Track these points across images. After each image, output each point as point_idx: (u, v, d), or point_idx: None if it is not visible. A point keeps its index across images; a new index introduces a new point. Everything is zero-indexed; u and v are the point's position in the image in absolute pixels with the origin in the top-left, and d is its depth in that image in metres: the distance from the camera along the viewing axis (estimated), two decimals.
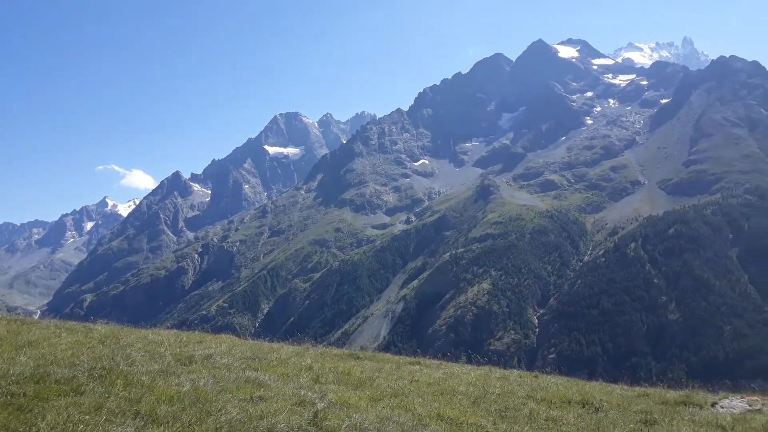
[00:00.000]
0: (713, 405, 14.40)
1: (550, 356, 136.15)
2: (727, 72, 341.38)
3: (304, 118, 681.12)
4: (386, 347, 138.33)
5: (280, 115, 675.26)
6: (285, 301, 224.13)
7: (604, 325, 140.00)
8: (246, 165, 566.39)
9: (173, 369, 12.17)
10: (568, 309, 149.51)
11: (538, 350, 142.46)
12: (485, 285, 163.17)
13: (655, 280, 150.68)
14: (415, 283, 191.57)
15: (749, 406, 14.22)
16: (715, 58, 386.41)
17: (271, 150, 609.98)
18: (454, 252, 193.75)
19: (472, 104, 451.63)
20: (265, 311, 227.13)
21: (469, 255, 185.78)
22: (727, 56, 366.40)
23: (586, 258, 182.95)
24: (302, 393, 11.32)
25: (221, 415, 9.15)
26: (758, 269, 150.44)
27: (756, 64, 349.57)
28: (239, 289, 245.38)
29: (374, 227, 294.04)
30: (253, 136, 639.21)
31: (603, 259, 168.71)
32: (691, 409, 13.56)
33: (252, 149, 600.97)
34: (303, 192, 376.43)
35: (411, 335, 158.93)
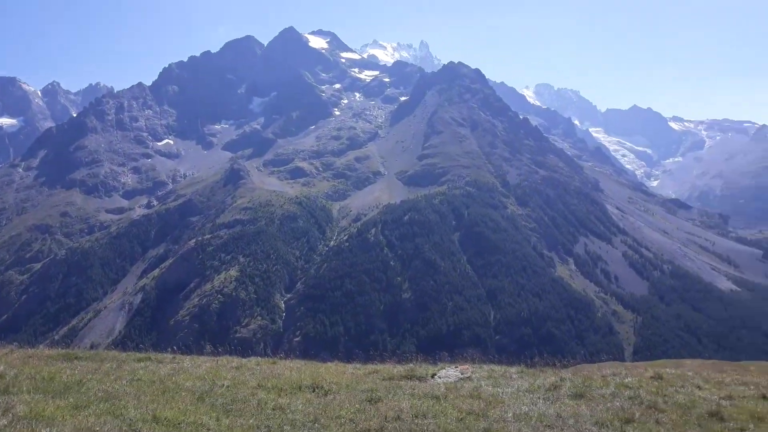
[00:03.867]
0: (433, 376, 15.38)
1: (296, 339, 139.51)
2: (455, 76, 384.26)
3: (24, 85, 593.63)
4: (122, 342, 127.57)
5: None
6: None
7: (346, 306, 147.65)
8: None
9: None
10: (314, 292, 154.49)
11: (284, 334, 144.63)
12: (233, 272, 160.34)
13: (391, 263, 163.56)
14: (156, 272, 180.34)
15: (461, 374, 15.49)
16: (446, 63, 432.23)
17: None
18: (200, 238, 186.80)
19: (222, 85, 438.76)
20: None
21: (216, 241, 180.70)
22: (456, 62, 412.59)
23: (331, 243, 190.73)
24: None
25: None
26: (474, 251, 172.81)
27: (478, 72, 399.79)
28: None
29: (109, 212, 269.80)
30: None
31: (347, 244, 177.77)
32: (412, 383, 14.31)
33: None
34: (21, 170, 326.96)
35: (150, 328, 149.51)
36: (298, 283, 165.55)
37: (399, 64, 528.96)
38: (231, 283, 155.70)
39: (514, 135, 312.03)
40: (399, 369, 16.23)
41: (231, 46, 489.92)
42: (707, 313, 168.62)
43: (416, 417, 10.99)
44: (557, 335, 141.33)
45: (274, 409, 11.30)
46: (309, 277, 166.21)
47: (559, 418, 11.02)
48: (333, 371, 16.08)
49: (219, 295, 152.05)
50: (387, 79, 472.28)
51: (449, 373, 15.73)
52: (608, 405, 11.82)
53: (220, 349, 21.47)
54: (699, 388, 13.68)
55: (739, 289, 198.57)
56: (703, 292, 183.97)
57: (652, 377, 14.74)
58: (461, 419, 10.96)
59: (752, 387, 13.85)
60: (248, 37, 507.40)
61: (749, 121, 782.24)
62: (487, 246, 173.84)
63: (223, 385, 13.28)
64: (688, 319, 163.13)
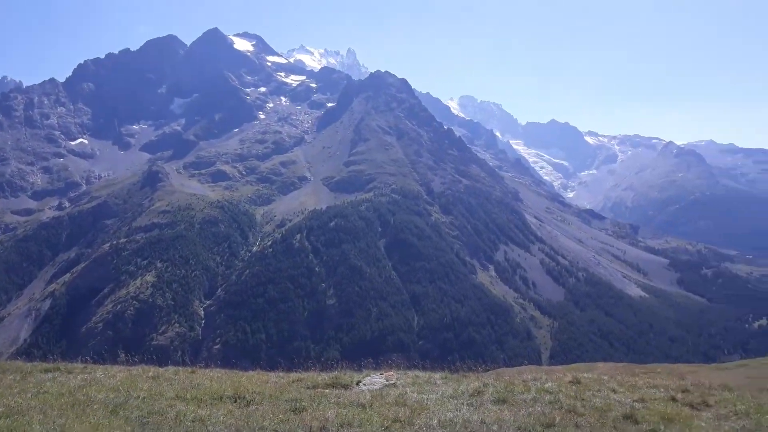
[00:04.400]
0: (358, 384, 15.23)
1: (216, 347, 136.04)
2: (382, 85, 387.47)
3: None
4: (27, 351, 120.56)
5: None
6: None
7: (269, 312, 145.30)
8: None
9: None
10: (235, 299, 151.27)
11: (203, 342, 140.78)
12: (149, 277, 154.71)
13: (316, 269, 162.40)
14: (67, 276, 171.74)
15: (386, 381, 15.43)
16: (373, 71, 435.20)
17: None
18: (115, 242, 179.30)
19: (141, 84, 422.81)
20: None
21: (132, 245, 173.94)
22: (383, 71, 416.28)
23: (254, 249, 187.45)
24: None
25: None
26: (399, 257, 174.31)
27: (404, 82, 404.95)
28: None
29: (16, 213, 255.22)
30: None
31: (271, 250, 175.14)
32: (337, 391, 14.13)
33: None
34: None
35: (60, 336, 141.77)
36: (219, 290, 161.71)
37: (326, 70, 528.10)
38: (147, 288, 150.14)
39: (438, 145, 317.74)
40: (323, 377, 15.99)
41: (152, 45, 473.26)
42: (618, 318, 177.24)
43: (342, 426, 10.84)
44: (478, 340, 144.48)
45: (193, 422, 10.84)
46: (230, 283, 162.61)
47: (483, 424, 11.15)
48: (255, 380, 15.64)
49: (134, 302, 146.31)
50: (314, 85, 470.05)
51: (374, 380, 15.64)
52: (530, 410, 12.08)
53: (135, 358, 20.53)
54: (614, 391, 14.23)
55: (647, 295, 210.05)
56: (614, 299, 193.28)
57: (570, 382, 15.22)
58: (387, 427, 10.89)
59: (662, 390, 14.56)
60: (170, 37, 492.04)
61: (657, 138, 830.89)
62: (411, 252, 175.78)
63: (139, 396, 12.64)
64: (600, 324, 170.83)
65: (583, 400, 13.11)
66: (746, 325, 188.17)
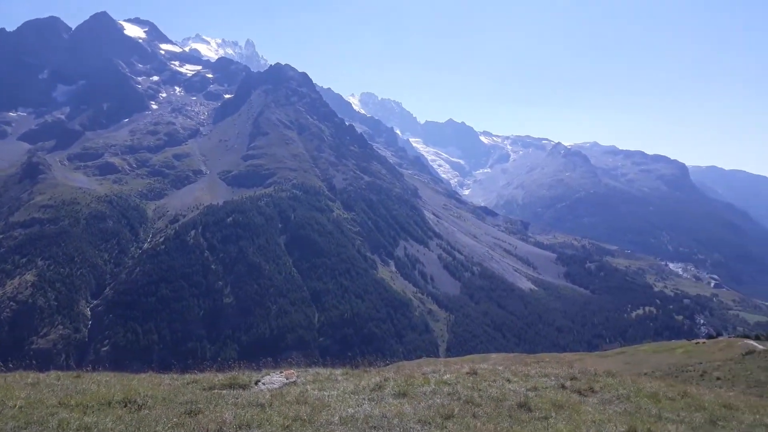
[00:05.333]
0: (257, 383, 14.84)
1: (104, 349, 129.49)
2: (282, 78, 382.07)
3: None
4: None
5: None
6: None
7: (161, 312, 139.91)
8: None
9: None
10: (125, 298, 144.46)
11: (90, 344, 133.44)
12: (29, 276, 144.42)
13: (213, 266, 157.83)
14: None
15: (286, 379, 15.14)
16: (273, 64, 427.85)
17: None
18: None
19: (19, 68, 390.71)
20: None
21: (9, 242, 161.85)
22: (283, 64, 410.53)
23: (146, 245, 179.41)
24: None
25: None
26: (300, 254, 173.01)
27: (305, 76, 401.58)
28: None
29: None
30: None
31: (163, 247, 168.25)
32: (235, 392, 13.68)
33: None
34: None
35: None
36: (107, 289, 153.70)
37: (224, 61, 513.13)
38: (27, 288, 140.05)
39: (340, 141, 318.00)
40: (220, 377, 15.43)
41: (31, 26, 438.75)
42: (510, 310, 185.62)
43: (240, 427, 10.49)
44: (378, 334, 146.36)
45: (78, 430, 10.09)
46: (119, 282, 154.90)
47: (384, 418, 11.18)
48: (147, 383, 14.84)
49: (12, 303, 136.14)
50: (210, 75, 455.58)
51: (274, 379, 15.31)
52: (430, 402, 12.26)
53: (11, 364, 18.90)
54: (509, 381, 14.78)
55: (536, 288, 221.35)
56: (507, 291, 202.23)
57: (467, 373, 15.63)
58: (287, 426, 10.66)
59: (553, 378, 15.29)
60: (53, 18, 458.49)
61: (547, 139, 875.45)
62: (313, 249, 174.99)
63: (15, 405, 11.60)
64: (494, 316, 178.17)
65: (479, 390, 13.50)
66: (625, 315, 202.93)
